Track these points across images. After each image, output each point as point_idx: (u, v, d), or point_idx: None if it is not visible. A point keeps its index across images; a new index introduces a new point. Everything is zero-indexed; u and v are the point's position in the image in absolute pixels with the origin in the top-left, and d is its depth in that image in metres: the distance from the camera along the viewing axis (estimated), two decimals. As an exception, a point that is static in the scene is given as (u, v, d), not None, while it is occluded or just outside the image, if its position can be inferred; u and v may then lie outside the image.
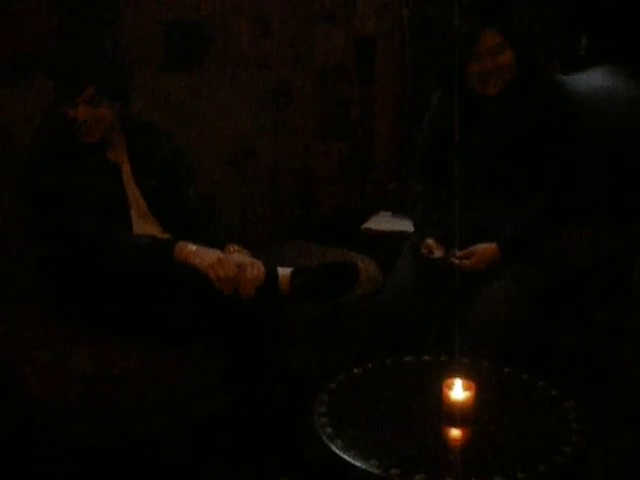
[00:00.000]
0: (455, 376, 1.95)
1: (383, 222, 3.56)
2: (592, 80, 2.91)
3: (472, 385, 1.92)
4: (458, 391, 1.92)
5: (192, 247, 2.39)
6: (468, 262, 2.53)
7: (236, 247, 2.54)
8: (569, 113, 2.61)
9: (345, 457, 1.79)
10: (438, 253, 2.57)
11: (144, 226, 2.54)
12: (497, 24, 2.54)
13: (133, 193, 2.56)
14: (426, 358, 2.23)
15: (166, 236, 2.56)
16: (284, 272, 2.44)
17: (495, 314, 2.44)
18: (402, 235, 3.26)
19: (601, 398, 2.53)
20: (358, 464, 1.77)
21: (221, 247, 2.50)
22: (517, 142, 2.58)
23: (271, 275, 2.41)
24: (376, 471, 1.75)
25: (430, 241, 2.60)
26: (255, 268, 2.39)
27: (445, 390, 1.92)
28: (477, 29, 2.55)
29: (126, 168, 2.58)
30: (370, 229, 3.50)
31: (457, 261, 2.52)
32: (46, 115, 2.59)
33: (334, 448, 1.82)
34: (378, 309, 2.67)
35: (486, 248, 2.55)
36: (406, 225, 3.37)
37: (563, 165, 2.57)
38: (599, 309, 2.65)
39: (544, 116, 2.57)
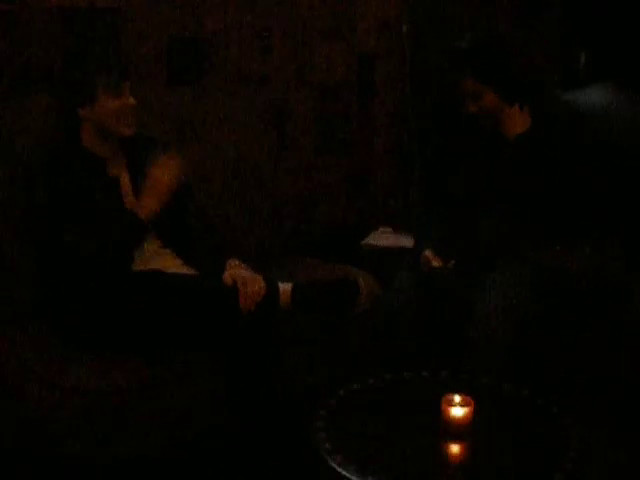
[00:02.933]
0: (454, 392, 1.95)
1: (383, 238, 3.57)
2: (591, 96, 2.92)
3: (471, 401, 1.93)
4: (457, 407, 1.92)
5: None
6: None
7: (237, 262, 2.54)
8: (569, 130, 2.63)
9: (344, 472, 1.79)
10: (435, 264, 2.59)
11: (143, 241, 2.55)
12: (472, 70, 2.57)
13: (132, 207, 2.56)
14: (425, 374, 2.23)
15: (168, 252, 2.57)
16: (285, 287, 2.44)
17: (494, 331, 2.44)
18: (402, 251, 3.27)
19: (601, 414, 2.53)
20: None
21: (222, 262, 2.50)
22: (520, 160, 2.59)
23: (272, 290, 2.41)
24: (375, 486, 1.76)
25: (428, 252, 2.62)
26: (256, 283, 2.39)
27: (444, 406, 1.93)
28: (455, 76, 2.59)
29: (125, 182, 2.57)
30: (370, 244, 3.51)
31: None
32: (48, 130, 2.60)
33: (333, 463, 1.82)
34: (377, 324, 2.67)
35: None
36: (406, 241, 3.38)
37: (566, 181, 2.58)
38: (597, 325, 2.66)
39: (544, 134, 2.59)
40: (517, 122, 2.65)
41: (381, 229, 3.69)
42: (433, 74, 2.86)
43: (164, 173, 2.43)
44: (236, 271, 2.46)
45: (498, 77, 2.60)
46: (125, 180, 2.58)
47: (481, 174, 2.66)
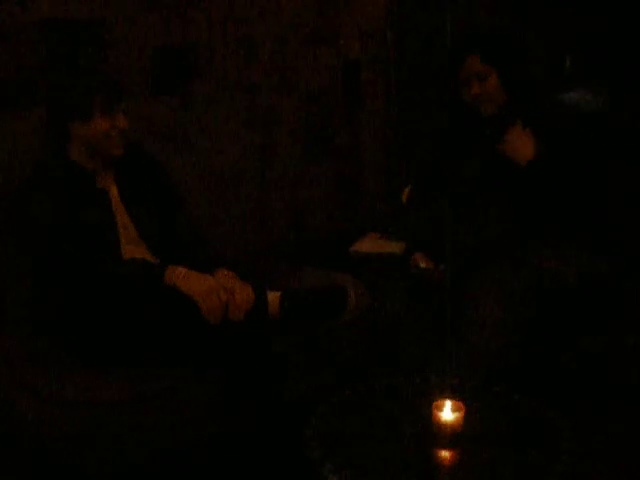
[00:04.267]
0: (445, 397, 1.95)
1: (372, 244, 3.57)
2: (577, 99, 2.93)
3: (462, 406, 1.93)
4: (448, 412, 1.92)
5: (182, 271, 2.39)
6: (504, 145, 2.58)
7: (225, 272, 2.54)
8: (568, 137, 2.62)
9: (335, 480, 1.79)
10: (424, 265, 2.59)
11: (133, 251, 2.54)
12: (480, 50, 2.59)
13: (122, 219, 2.56)
14: (416, 379, 2.23)
15: (156, 261, 2.56)
16: (273, 295, 2.44)
17: (486, 335, 2.44)
18: (391, 256, 3.28)
19: (592, 415, 2.54)
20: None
21: (211, 272, 2.50)
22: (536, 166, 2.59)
23: (260, 299, 2.41)
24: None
25: (418, 254, 2.62)
26: (244, 292, 2.39)
27: (435, 411, 1.93)
28: (461, 54, 2.61)
29: (114, 193, 2.57)
30: (359, 251, 3.51)
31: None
32: (36, 143, 2.59)
33: (324, 471, 1.82)
34: (368, 330, 2.67)
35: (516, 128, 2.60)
36: (395, 246, 3.39)
37: (562, 186, 2.58)
38: (591, 328, 2.66)
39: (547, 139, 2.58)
40: (523, 142, 2.64)
41: (370, 235, 3.69)
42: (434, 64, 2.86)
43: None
44: (225, 281, 2.46)
45: (504, 61, 2.64)
46: (114, 192, 2.58)
47: (480, 179, 2.65)
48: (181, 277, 2.37)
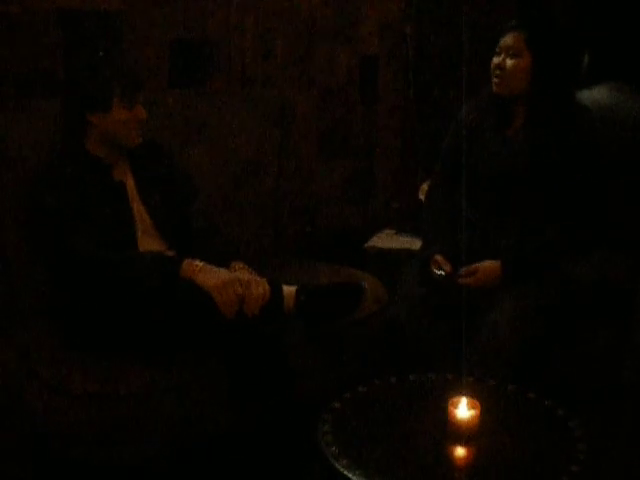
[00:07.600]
0: (460, 394, 1.94)
1: (387, 240, 3.56)
2: (595, 97, 2.91)
3: (477, 404, 1.92)
4: (463, 410, 1.91)
5: (199, 265, 2.39)
6: (470, 280, 2.53)
7: (241, 265, 2.54)
8: (592, 141, 2.58)
9: (350, 476, 1.79)
10: (446, 269, 2.57)
11: (149, 243, 2.54)
12: (528, 30, 2.53)
13: (138, 210, 2.57)
14: (431, 376, 2.22)
15: (172, 253, 2.56)
16: (289, 290, 2.43)
17: (501, 333, 2.43)
18: (406, 253, 3.26)
19: (605, 415, 2.52)
20: (363, 483, 1.77)
21: (226, 265, 2.50)
22: (538, 164, 2.55)
23: (276, 293, 2.40)
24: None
25: (439, 257, 2.59)
26: (260, 286, 2.38)
27: (450, 409, 1.92)
28: (507, 26, 2.57)
29: (130, 186, 2.58)
30: (374, 247, 3.49)
31: (461, 280, 2.53)
32: (52, 134, 2.60)
33: (339, 467, 1.81)
34: (384, 326, 2.66)
35: (489, 265, 2.53)
36: (410, 243, 3.38)
37: (582, 193, 2.55)
38: (602, 328, 2.64)
39: (568, 142, 2.54)
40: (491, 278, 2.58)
41: (385, 231, 3.68)
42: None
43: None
44: (240, 274, 2.45)
45: (547, 55, 2.55)
46: (130, 184, 2.58)
47: (500, 174, 2.61)
48: (197, 270, 2.37)
